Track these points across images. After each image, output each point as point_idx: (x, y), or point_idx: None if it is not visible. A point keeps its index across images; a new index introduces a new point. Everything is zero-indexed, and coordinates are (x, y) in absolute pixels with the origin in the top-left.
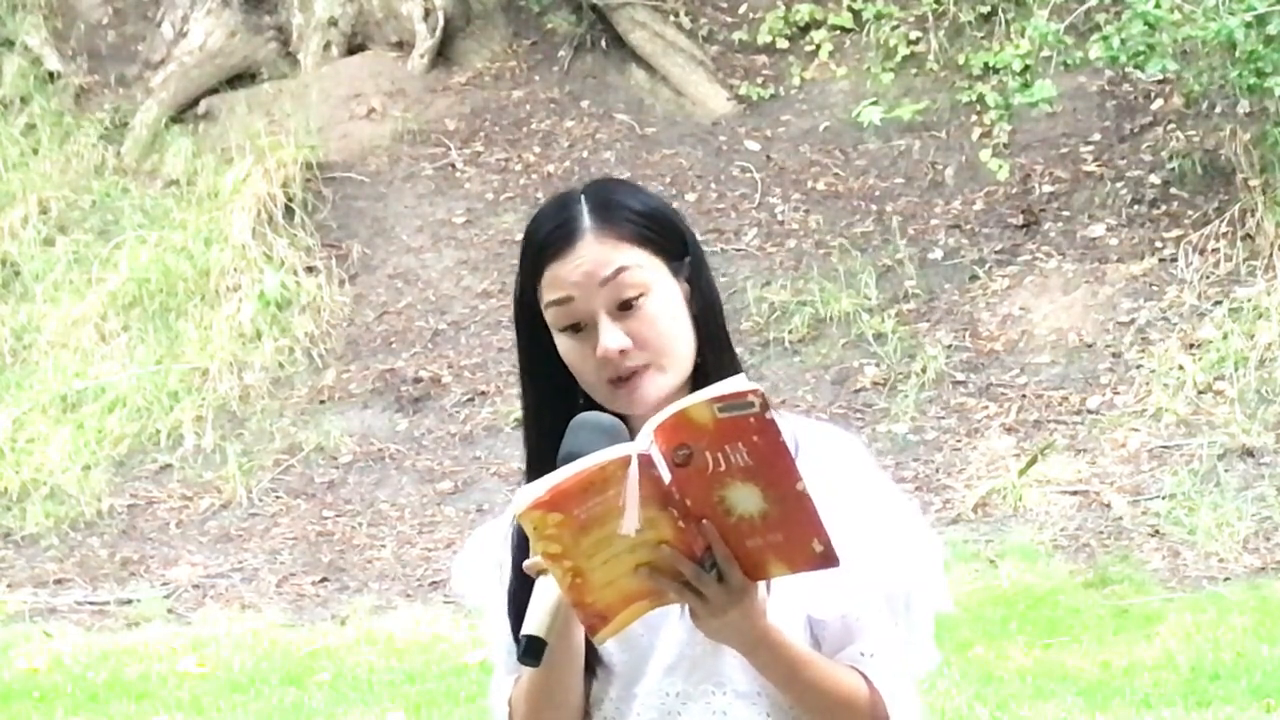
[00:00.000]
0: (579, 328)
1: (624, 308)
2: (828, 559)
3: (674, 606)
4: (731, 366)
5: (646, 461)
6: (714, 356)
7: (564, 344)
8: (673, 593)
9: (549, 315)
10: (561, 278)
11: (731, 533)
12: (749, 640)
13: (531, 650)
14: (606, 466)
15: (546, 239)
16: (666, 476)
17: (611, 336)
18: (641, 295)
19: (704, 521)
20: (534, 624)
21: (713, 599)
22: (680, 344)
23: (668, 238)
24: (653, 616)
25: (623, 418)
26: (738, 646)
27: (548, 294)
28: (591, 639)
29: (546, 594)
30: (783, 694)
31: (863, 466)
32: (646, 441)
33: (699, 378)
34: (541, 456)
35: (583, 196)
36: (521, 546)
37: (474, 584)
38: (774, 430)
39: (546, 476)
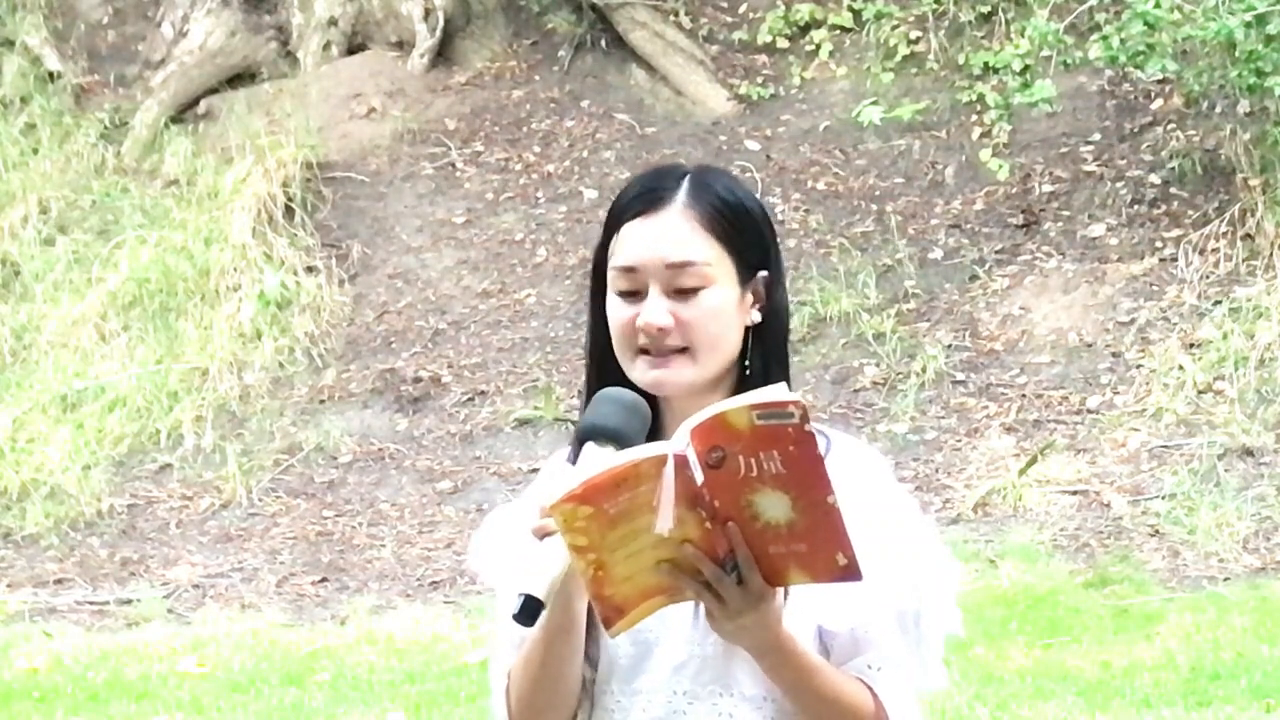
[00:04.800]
0: (634, 295)
1: (680, 293)
2: (850, 572)
3: (688, 605)
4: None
5: (682, 461)
6: (769, 372)
7: (613, 302)
8: (691, 591)
9: (611, 273)
10: (633, 240)
11: (756, 538)
12: (762, 644)
13: (527, 609)
14: (641, 464)
15: (636, 198)
16: (699, 478)
17: (656, 312)
18: (701, 287)
19: (729, 524)
20: (534, 585)
21: (731, 601)
22: (722, 344)
23: (749, 243)
24: (663, 611)
25: (646, 396)
26: (750, 649)
27: (617, 254)
28: (606, 631)
29: (552, 559)
30: (788, 699)
31: (887, 483)
32: (683, 442)
33: (746, 389)
34: None
35: (687, 174)
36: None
37: (486, 562)
38: (811, 442)
39: (580, 469)
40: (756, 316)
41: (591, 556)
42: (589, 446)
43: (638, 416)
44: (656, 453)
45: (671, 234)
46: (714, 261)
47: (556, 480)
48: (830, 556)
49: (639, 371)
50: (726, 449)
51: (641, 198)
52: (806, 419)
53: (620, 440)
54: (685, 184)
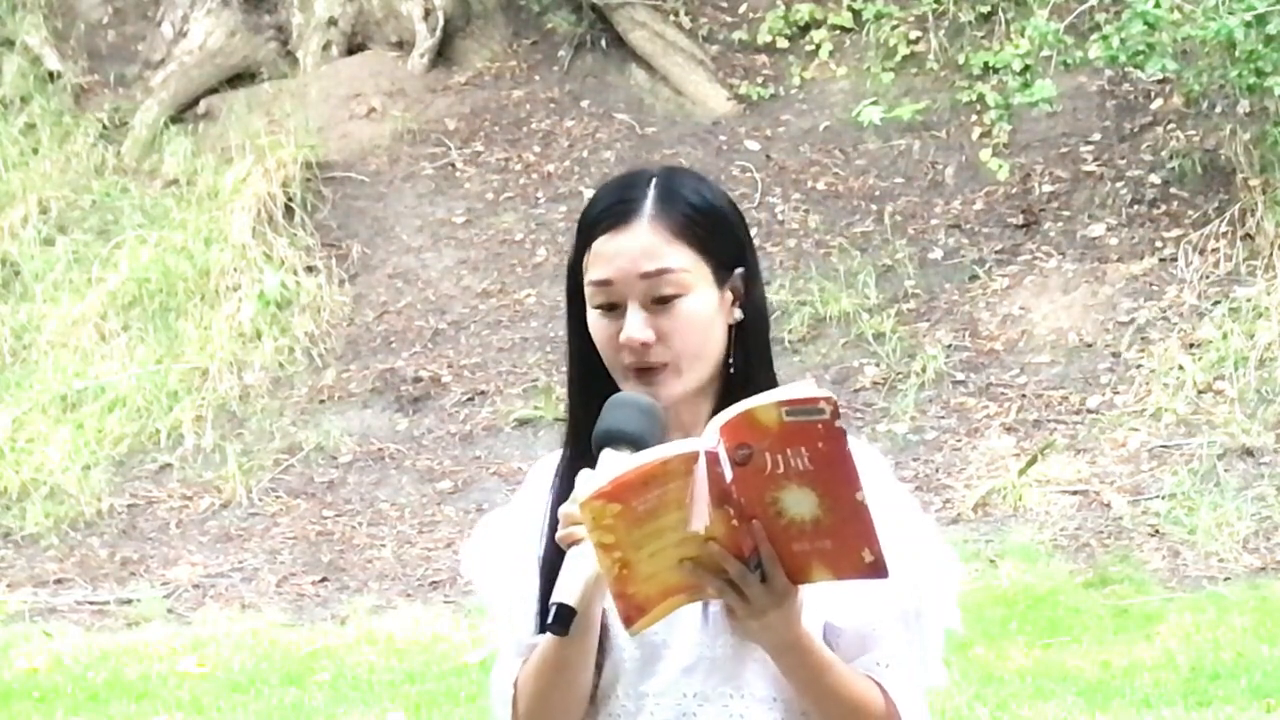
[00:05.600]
0: (612, 308)
1: (658, 302)
2: (877, 569)
3: (696, 606)
4: (770, 381)
5: (712, 459)
6: (751, 369)
7: (594, 319)
8: (714, 589)
9: (587, 290)
10: (606, 256)
11: (779, 535)
12: (782, 643)
13: (560, 618)
14: (670, 461)
15: (604, 212)
16: (729, 475)
17: (636, 327)
18: (679, 296)
19: (753, 521)
20: (565, 593)
21: (754, 599)
22: (706, 350)
23: (723, 243)
24: (670, 615)
25: None
26: (769, 648)
27: (590, 270)
28: (626, 630)
29: (580, 565)
30: (803, 697)
31: (887, 482)
32: (713, 439)
33: (732, 386)
34: (583, 425)
35: (653, 180)
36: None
37: (483, 570)
38: (841, 438)
39: (609, 466)
40: (739, 314)
41: (617, 555)
42: (607, 452)
43: (655, 420)
44: (687, 450)
45: (643, 245)
46: (690, 267)
47: (587, 478)
48: (857, 553)
49: (629, 388)
50: (754, 446)
51: (609, 210)
52: (837, 415)
53: (639, 444)
54: (652, 192)
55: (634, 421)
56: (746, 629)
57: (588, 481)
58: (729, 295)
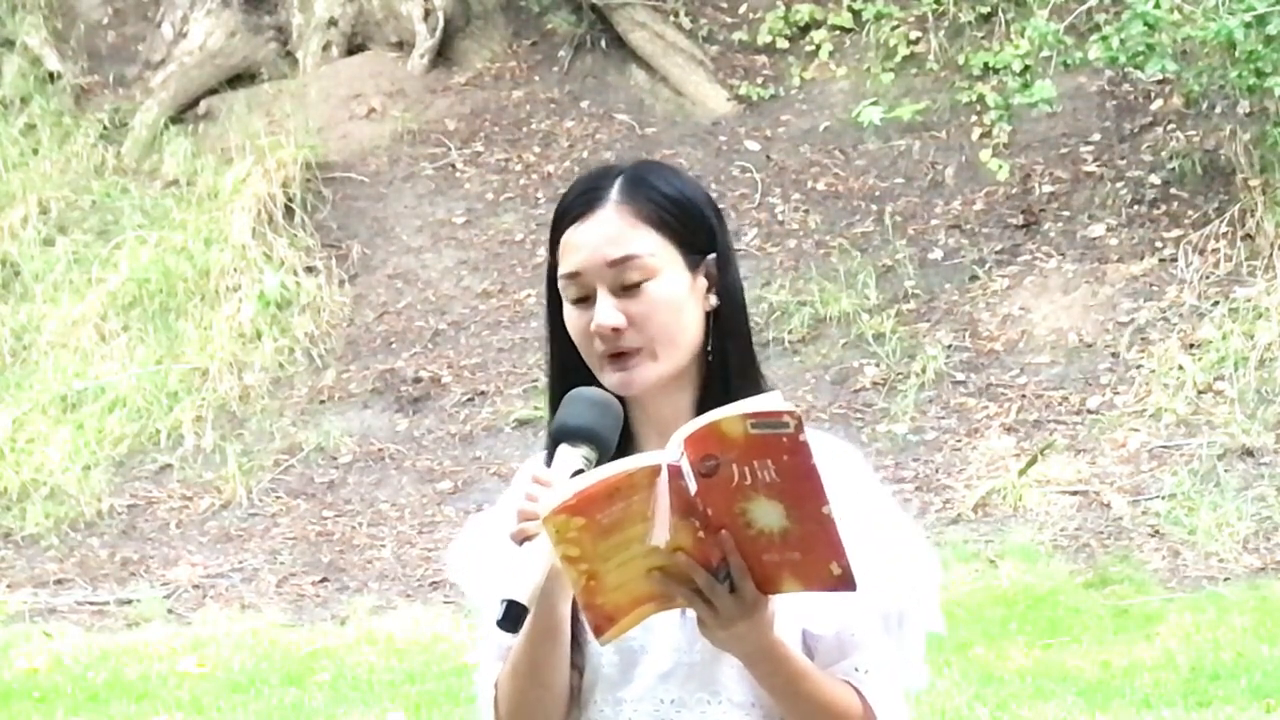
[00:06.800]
0: (584, 299)
1: (627, 288)
2: (844, 582)
3: (673, 613)
4: (750, 368)
5: (675, 471)
6: (733, 355)
7: (569, 312)
8: (683, 599)
9: (560, 285)
10: (573, 247)
11: (749, 545)
12: (754, 652)
13: (511, 615)
14: (635, 474)
15: (571, 204)
16: (693, 487)
17: (607, 313)
18: (646, 280)
19: (722, 532)
20: (516, 589)
21: (723, 610)
22: (679, 335)
23: (691, 228)
24: (649, 619)
25: (619, 397)
26: (741, 657)
27: (561, 263)
28: (597, 640)
29: (532, 562)
30: (779, 705)
31: (865, 480)
32: (677, 452)
33: (715, 374)
34: None
35: (622, 172)
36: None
37: (468, 571)
38: (805, 452)
39: (573, 480)
40: (714, 301)
41: (584, 567)
42: (563, 448)
43: (610, 415)
44: (650, 463)
45: (607, 232)
46: (655, 251)
47: (550, 493)
48: (824, 566)
49: (605, 378)
50: (720, 457)
51: (577, 201)
52: (801, 429)
53: (594, 439)
54: (619, 181)
55: (587, 416)
56: (716, 639)
57: (551, 496)
58: (702, 281)
